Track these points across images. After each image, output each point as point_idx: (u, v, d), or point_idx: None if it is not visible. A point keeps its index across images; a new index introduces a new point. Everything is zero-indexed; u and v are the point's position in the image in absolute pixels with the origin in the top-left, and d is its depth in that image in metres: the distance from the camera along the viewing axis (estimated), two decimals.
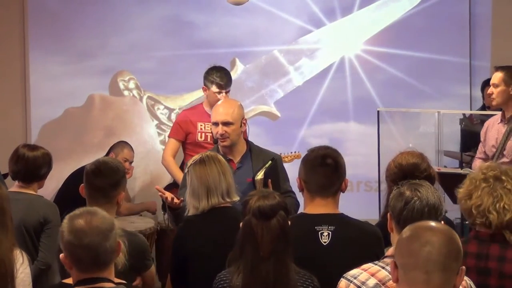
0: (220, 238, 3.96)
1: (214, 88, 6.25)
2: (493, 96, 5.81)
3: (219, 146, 5.08)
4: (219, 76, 6.31)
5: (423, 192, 3.22)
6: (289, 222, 3.45)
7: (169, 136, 6.43)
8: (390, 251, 3.13)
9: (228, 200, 4.18)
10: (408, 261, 2.51)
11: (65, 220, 2.94)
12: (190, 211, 4.20)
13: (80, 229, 2.87)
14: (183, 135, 6.28)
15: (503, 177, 3.42)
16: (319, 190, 3.86)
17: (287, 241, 3.40)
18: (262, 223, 3.38)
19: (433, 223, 2.61)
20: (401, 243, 2.57)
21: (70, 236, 2.87)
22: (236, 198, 4.23)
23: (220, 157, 4.33)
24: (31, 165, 4.81)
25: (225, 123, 5.00)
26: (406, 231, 2.58)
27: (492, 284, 3.34)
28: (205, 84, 6.32)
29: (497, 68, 5.93)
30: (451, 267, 2.50)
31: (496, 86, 5.81)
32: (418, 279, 2.49)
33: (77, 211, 3.00)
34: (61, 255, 2.91)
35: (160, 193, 4.72)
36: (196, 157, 4.28)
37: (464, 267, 2.55)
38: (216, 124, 5.02)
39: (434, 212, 3.19)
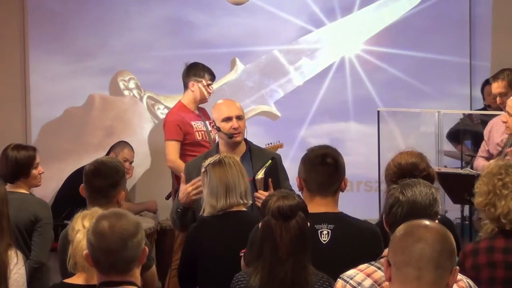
0: (234, 241, 3.96)
1: (206, 80, 6.31)
2: (505, 104, 5.81)
3: (218, 146, 5.07)
4: (206, 68, 6.40)
5: (408, 194, 3.18)
6: (308, 224, 3.45)
7: (169, 139, 6.28)
8: (386, 251, 3.13)
9: (245, 201, 4.18)
10: (401, 258, 2.50)
11: (94, 219, 2.90)
12: (207, 210, 4.20)
13: (101, 232, 2.81)
14: (183, 136, 6.26)
15: None
16: (319, 189, 3.87)
17: (306, 243, 3.39)
18: (281, 224, 3.36)
19: (427, 221, 2.60)
20: (394, 241, 2.56)
21: (92, 237, 2.83)
22: (251, 202, 4.24)
23: (237, 159, 4.33)
24: (15, 165, 4.86)
25: (239, 117, 5.01)
26: (400, 229, 2.58)
27: None
28: (192, 80, 6.35)
29: (495, 78, 5.91)
30: (445, 265, 2.49)
31: (504, 94, 5.81)
32: (411, 275, 2.47)
33: (107, 212, 2.95)
34: (85, 252, 2.89)
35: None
36: (214, 157, 4.28)
37: (457, 267, 2.54)
38: (229, 119, 4.98)
39: (420, 213, 3.10)
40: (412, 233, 2.52)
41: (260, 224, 3.46)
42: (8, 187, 4.81)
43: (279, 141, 6.55)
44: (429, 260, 2.47)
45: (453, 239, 2.56)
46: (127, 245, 2.80)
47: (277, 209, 3.38)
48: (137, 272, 2.87)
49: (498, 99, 5.88)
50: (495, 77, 5.92)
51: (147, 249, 2.91)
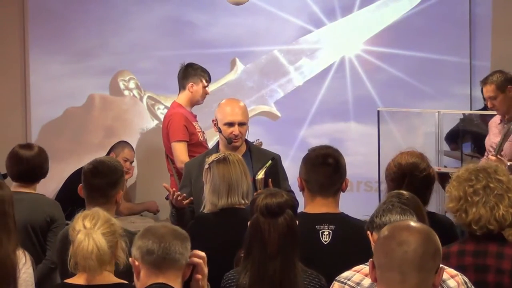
0: (231, 238, 3.95)
1: (204, 82, 6.30)
2: (496, 107, 5.83)
3: (218, 146, 5.07)
4: (205, 70, 6.39)
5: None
6: (297, 221, 3.45)
7: (178, 140, 6.18)
8: None
9: (246, 201, 4.18)
10: (384, 261, 2.51)
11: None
12: (207, 207, 4.19)
13: (154, 227, 2.92)
14: (189, 136, 6.23)
15: (491, 185, 3.42)
16: (320, 189, 3.87)
17: (294, 240, 3.40)
18: (269, 221, 3.38)
19: (411, 223, 2.60)
20: (378, 243, 2.57)
21: (144, 235, 2.87)
22: None
23: (241, 158, 4.33)
24: (36, 165, 4.83)
25: (241, 124, 4.99)
26: (384, 231, 2.57)
27: (490, 281, 3.35)
28: (191, 81, 6.31)
29: (484, 82, 5.94)
30: (428, 267, 2.49)
31: (494, 98, 5.82)
32: (394, 279, 2.47)
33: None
34: (131, 259, 2.87)
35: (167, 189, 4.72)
36: (218, 154, 4.27)
37: (443, 265, 2.54)
38: (231, 124, 4.97)
39: None
40: (394, 236, 2.51)
41: (249, 222, 3.47)
42: (18, 187, 4.80)
43: (258, 139, 6.50)
44: (412, 264, 2.46)
45: (437, 239, 2.55)
46: (178, 237, 2.83)
47: (265, 207, 3.40)
48: (179, 279, 2.83)
49: (489, 102, 5.90)
50: (484, 81, 5.94)
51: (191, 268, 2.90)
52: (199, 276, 2.83)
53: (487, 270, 3.36)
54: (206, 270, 2.88)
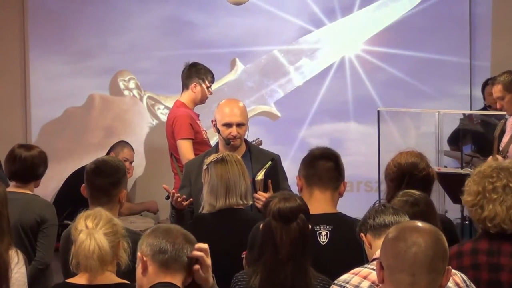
0: (229, 239, 3.95)
1: (207, 82, 6.30)
2: (505, 108, 5.83)
3: (218, 147, 5.06)
4: (208, 70, 6.38)
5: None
6: (310, 226, 3.44)
7: (184, 137, 6.16)
8: (378, 253, 3.12)
9: (245, 202, 4.17)
10: (394, 263, 2.49)
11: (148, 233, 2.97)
12: (206, 208, 4.19)
13: (167, 227, 2.96)
14: (194, 134, 6.22)
15: (511, 185, 3.41)
16: (319, 181, 3.88)
17: (306, 245, 3.36)
18: (281, 226, 3.35)
19: (419, 223, 2.58)
20: (386, 244, 2.54)
21: (154, 234, 2.90)
22: (251, 202, 4.22)
23: (240, 158, 4.32)
24: (28, 165, 4.81)
25: (240, 124, 4.98)
26: (392, 231, 2.55)
27: (504, 280, 3.33)
28: (195, 81, 6.31)
29: (492, 82, 5.95)
30: (438, 268, 2.48)
31: (501, 98, 5.82)
32: (404, 281, 2.46)
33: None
34: (139, 254, 2.87)
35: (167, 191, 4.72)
36: (216, 155, 4.27)
37: (450, 267, 2.54)
38: (229, 125, 4.95)
39: None
40: (405, 237, 2.49)
41: (261, 225, 3.45)
42: (13, 187, 4.80)
43: (258, 138, 6.48)
44: (423, 266, 2.46)
45: (445, 240, 2.54)
46: (189, 242, 2.89)
47: (277, 211, 3.36)
48: (183, 279, 2.88)
49: (498, 103, 5.91)
50: (493, 81, 5.95)
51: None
52: (197, 267, 2.87)
53: (501, 269, 3.34)
54: (209, 261, 2.91)
